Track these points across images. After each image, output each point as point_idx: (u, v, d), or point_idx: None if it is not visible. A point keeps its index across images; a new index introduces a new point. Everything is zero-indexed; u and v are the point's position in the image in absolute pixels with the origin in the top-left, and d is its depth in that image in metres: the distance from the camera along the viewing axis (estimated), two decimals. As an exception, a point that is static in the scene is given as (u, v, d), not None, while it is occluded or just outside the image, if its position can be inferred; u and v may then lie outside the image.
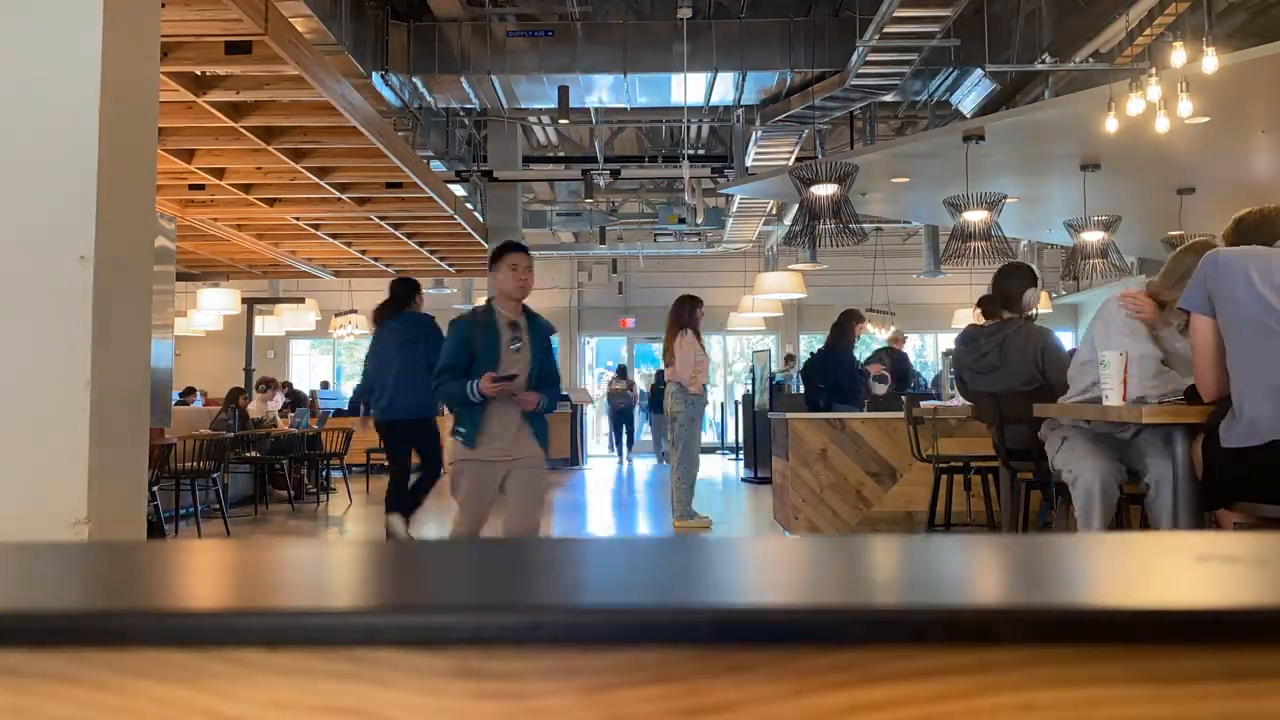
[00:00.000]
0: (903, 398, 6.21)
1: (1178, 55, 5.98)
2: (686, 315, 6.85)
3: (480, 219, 11.18)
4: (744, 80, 9.54)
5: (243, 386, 10.12)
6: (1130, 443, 3.39)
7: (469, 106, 10.55)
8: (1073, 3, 7.88)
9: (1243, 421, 2.70)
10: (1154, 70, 5.97)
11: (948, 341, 18.50)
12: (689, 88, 9.56)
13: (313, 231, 10.21)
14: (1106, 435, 3.45)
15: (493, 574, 0.68)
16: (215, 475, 7.12)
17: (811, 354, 8.27)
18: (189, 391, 10.49)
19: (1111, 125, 6.32)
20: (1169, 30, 7.25)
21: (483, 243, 11.11)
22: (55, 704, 0.51)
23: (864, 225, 8.36)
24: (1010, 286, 4.59)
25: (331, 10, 7.57)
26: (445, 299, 16.32)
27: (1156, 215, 9.47)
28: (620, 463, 15.45)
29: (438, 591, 0.62)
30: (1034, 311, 4.75)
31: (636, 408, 16.34)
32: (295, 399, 11.74)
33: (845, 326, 7.36)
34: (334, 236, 10.69)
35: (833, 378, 7.18)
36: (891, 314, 15.29)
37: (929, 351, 18.29)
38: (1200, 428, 2.92)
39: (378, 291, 18.97)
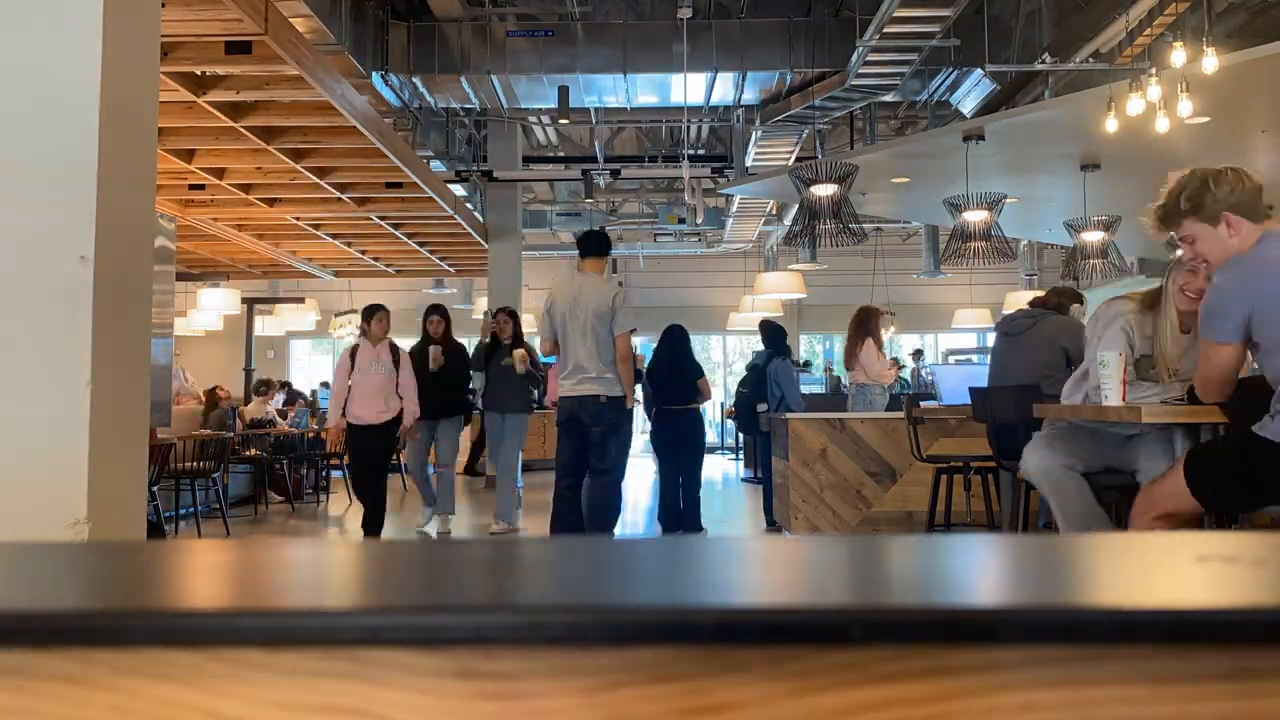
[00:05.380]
0: (903, 398, 6.22)
1: (1178, 55, 5.98)
2: (871, 324, 6.95)
3: (480, 219, 11.17)
4: (744, 80, 9.53)
5: (223, 385, 9.94)
6: (1127, 442, 3.37)
7: (469, 106, 10.55)
8: (1073, 3, 7.87)
9: None
10: (1154, 70, 5.98)
11: (948, 341, 18.50)
12: (689, 88, 9.55)
13: (313, 231, 10.21)
14: (1082, 431, 3.41)
15: (493, 574, 0.68)
16: (215, 475, 7.12)
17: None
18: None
19: (1111, 125, 6.32)
20: (1169, 30, 7.24)
21: (482, 242, 11.10)
22: (56, 704, 0.51)
23: (864, 225, 8.35)
24: (1066, 298, 5.10)
25: (331, 10, 7.57)
26: (445, 299, 16.31)
27: (1156, 215, 9.45)
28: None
29: (438, 591, 0.62)
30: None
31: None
32: (295, 399, 11.73)
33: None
34: (334, 236, 10.69)
35: None
36: (892, 314, 15.28)
37: (930, 352, 18.28)
38: (1216, 426, 2.86)
39: (378, 291, 18.92)
